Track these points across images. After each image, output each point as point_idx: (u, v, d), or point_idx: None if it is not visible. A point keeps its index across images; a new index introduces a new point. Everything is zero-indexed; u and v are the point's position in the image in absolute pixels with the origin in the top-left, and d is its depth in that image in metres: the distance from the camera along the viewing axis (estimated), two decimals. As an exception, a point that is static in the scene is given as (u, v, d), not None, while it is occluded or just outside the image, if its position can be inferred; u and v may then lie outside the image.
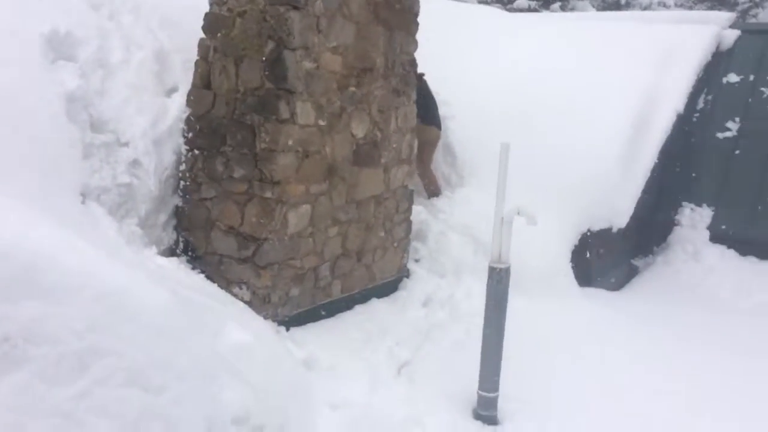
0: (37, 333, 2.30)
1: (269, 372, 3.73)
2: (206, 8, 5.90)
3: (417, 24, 6.77)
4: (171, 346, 2.72)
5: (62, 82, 5.32)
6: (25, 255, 2.35)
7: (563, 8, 26.64)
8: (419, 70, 7.22)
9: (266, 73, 5.40)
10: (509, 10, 21.20)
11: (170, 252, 5.78)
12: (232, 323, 3.93)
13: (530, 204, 5.01)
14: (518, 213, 5.06)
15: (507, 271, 5.27)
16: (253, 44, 5.47)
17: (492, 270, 5.28)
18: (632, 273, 10.26)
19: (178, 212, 5.88)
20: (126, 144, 5.61)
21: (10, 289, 2.27)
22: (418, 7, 6.73)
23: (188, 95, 5.85)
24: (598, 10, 26.51)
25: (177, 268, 5.22)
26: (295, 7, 5.31)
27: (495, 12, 14.13)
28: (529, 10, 25.45)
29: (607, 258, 9.31)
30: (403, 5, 6.46)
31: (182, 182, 5.85)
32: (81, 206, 4.73)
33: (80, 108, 5.36)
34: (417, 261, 7.64)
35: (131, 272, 2.91)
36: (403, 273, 7.26)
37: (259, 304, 5.53)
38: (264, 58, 5.40)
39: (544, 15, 17.93)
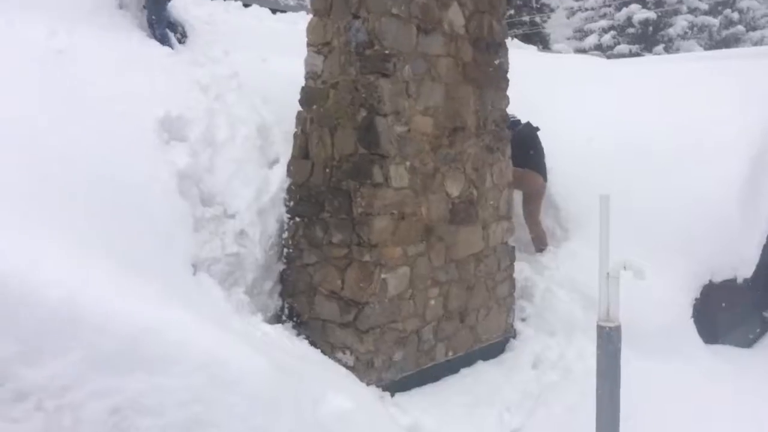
0: (144, 404, 2.39)
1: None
2: (302, 82, 6.21)
3: (507, 80, 6.75)
4: (270, 416, 2.74)
5: (174, 161, 5.72)
6: (131, 329, 2.48)
7: (667, 50, 25.81)
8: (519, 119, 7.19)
9: (359, 139, 5.54)
10: (609, 57, 20.79)
11: (276, 318, 5.93)
12: (333, 390, 3.93)
13: (640, 256, 4.75)
14: (625, 267, 4.77)
15: (617, 329, 4.95)
16: (347, 113, 5.65)
17: (600, 329, 4.97)
18: (765, 327, 9.37)
19: (282, 279, 6.05)
20: (233, 216, 5.89)
21: (117, 362, 2.39)
22: (507, 64, 6.73)
23: (288, 165, 6.10)
24: (705, 49, 25.46)
25: (281, 335, 5.33)
26: (385, 75, 5.46)
27: (594, 60, 13.89)
28: (631, 54, 24.85)
29: (735, 311, 8.56)
30: (491, 63, 6.48)
31: (285, 249, 6.04)
32: (192, 277, 4.97)
33: (191, 184, 5.72)
34: (523, 320, 7.38)
35: (233, 342, 3.00)
36: (510, 333, 7.02)
37: (363, 369, 5.51)
38: (357, 126, 5.56)
39: (646, 59, 17.41)
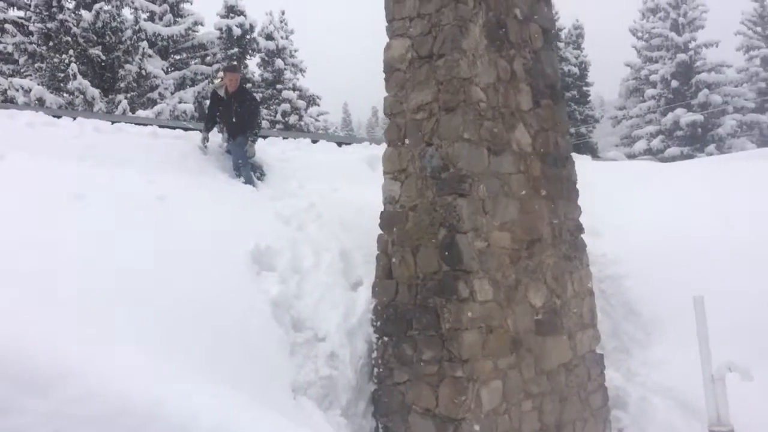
0: None
1: None
2: (376, 208, 6.56)
3: (576, 191, 6.97)
4: None
5: (267, 290, 6.02)
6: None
7: (719, 149, 25.85)
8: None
9: (442, 257, 5.75)
10: (661, 160, 20.97)
11: (371, 440, 5.91)
12: None
13: (744, 355, 4.64)
14: (730, 369, 4.69)
15: (730, 433, 4.78)
16: (427, 233, 5.92)
17: (713, 434, 4.81)
18: None
19: (374, 399, 6.09)
20: (323, 339, 6.06)
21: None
22: (575, 175, 6.98)
23: (373, 287, 6.32)
24: (758, 146, 25.39)
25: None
26: (462, 195, 5.75)
27: (648, 165, 14.07)
28: (683, 156, 24.94)
29: None
30: (560, 176, 6.74)
31: (375, 369, 6.12)
32: (293, 401, 5.08)
33: (283, 311, 5.97)
34: (620, 431, 7.09)
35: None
36: (608, 446, 6.74)
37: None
38: (438, 245, 5.80)
39: (701, 160, 17.51)
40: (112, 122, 8.13)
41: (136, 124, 8.50)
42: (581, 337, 6.68)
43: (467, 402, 5.47)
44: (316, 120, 28.00)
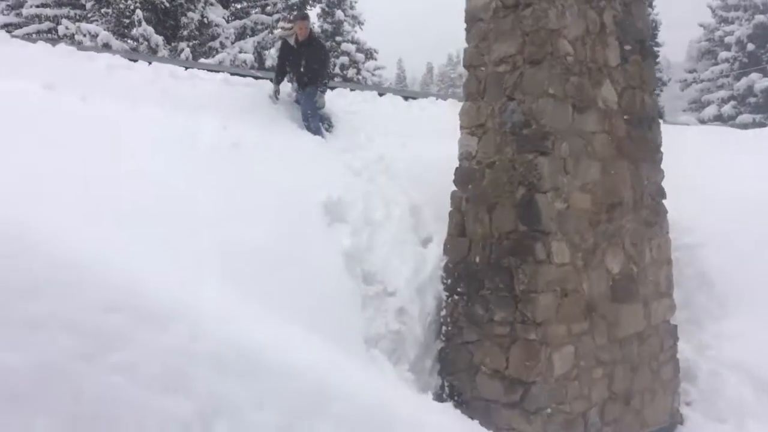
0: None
1: None
2: (446, 164, 6.41)
3: (661, 154, 6.68)
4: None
5: (339, 241, 6.00)
6: (375, 402, 2.59)
7: (795, 117, 24.52)
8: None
9: (519, 216, 5.60)
10: (732, 126, 20.02)
11: (437, 397, 5.89)
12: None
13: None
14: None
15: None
16: (504, 191, 5.76)
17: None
18: None
19: (441, 357, 6.06)
20: (393, 293, 6.03)
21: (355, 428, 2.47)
22: (661, 137, 6.67)
23: (445, 244, 6.23)
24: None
25: (453, 414, 5.27)
26: (543, 153, 5.55)
27: (723, 130, 13.43)
28: (754, 124, 23.77)
29: None
30: (645, 137, 6.44)
31: (444, 327, 6.07)
32: (367, 353, 5.09)
33: (355, 263, 5.95)
34: (688, 404, 6.92)
35: (461, 420, 3.04)
36: (676, 419, 6.59)
37: (530, 451, 5.34)
38: (516, 204, 5.64)
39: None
40: (186, 68, 8.14)
41: (208, 70, 8.48)
42: (656, 307, 6.48)
43: (540, 365, 5.39)
44: (373, 75, 27.67)
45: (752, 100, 26.80)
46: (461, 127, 6.20)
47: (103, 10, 20.02)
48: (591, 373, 5.79)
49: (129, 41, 19.56)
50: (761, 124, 23.91)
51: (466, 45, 6.17)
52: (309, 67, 7.96)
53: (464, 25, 6.15)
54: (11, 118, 5.22)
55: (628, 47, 6.23)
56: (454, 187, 6.27)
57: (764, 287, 7.56)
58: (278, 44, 8.51)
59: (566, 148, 5.69)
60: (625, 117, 6.17)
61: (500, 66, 5.80)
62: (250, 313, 2.82)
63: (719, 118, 26.67)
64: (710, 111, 27.39)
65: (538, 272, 5.46)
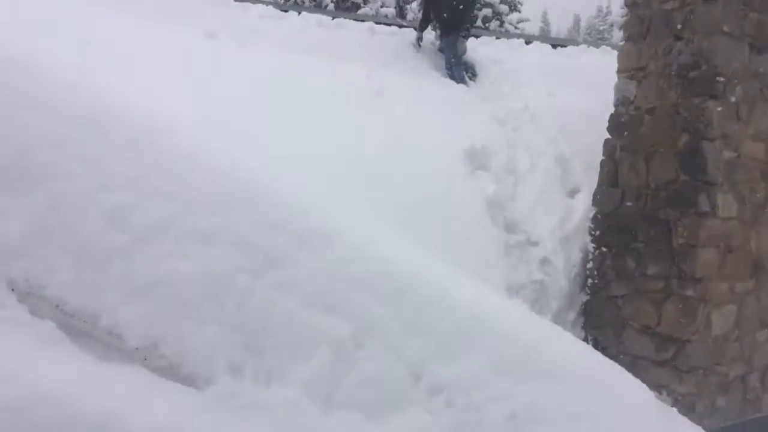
0: (538, 413, 2.42)
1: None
2: (596, 114, 6.05)
3: None
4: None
5: (482, 189, 5.92)
6: (527, 338, 2.55)
7: None
8: None
9: (682, 165, 5.20)
10: None
11: (581, 350, 5.75)
12: (683, 427, 3.66)
13: None
14: None
15: None
16: (665, 139, 5.36)
17: None
18: None
19: (585, 310, 5.86)
20: (536, 243, 5.89)
21: (515, 369, 2.45)
22: None
23: (594, 194, 5.95)
24: None
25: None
26: (713, 97, 5.08)
27: None
28: None
29: None
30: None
31: (590, 280, 5.85)
32: (509, 300, 5.04)
33: (497, 211, 5.86)
34: None
35: (611, 365, 2.94)
36: None
37: (682, 412, 5.04)
38: (678, 152, 5.24)
39: None
40: (333, 17, 8.30)
41: (354, 20, 8.60)
42: (836, 270, 5.79)
43: (696, 324, 5.05)
44: (515, 27, 26.67)
45: None
46: (618, 71, 5.82)
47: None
48: (754, 335, 5.35)
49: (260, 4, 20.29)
50: None
51: (627, -19, 5.73)
52: (452, 13, 7.83)
53: (626, -41, 5.71)
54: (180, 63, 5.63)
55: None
56: (605, 137, 5.94)
57: None
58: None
59: (740, 91, 5.15)
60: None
61: (667, 3, 5.33)
62: (400, 242, 2.87)
63: None
64: None
65: (701, 225, 5.07)
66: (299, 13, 8.07)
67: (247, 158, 2.59)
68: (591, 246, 5.88)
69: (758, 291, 5.34)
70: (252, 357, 2.02)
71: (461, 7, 7.81)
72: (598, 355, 3.01)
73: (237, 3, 7.75)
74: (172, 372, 1.92)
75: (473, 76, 8.15)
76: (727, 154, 5.14)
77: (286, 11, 7.98)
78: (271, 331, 2.08)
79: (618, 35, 13.50)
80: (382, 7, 21.11)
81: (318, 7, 20.21)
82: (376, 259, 2.42)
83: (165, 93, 4.27)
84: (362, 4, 21.17)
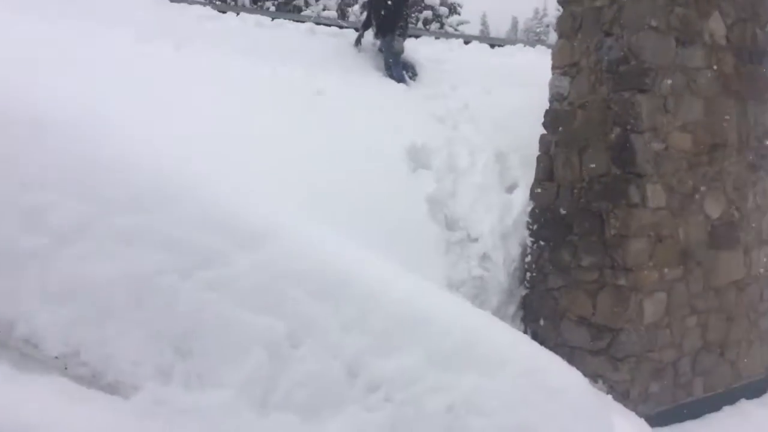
0: (476, 404, 2.44)
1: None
2: (532, 110, 6.19)
3: (772, 92, 6.17)
4: (588, 428, 2.67)
5: (423, 187, 5.97)
6: (464, 330, 2.57)
7: None
8: None
9: (613, 159, 5.36)
10: None
11: (521, 343, 5.84)
12: (617, 414, 3.76)
13: None
14: None
15: None
16: (597, 133, 5.51)
17: None
18: None
19: (524, 303, 5.98)
20: (476, 240, 5.97)
21: (453, 361, 2.47)
22: (772, 73, 6.16)
23: (531, 189, 6.07)
24: None
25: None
26: (642, 90, 5.25)
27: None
28: None
29: None
30: (754, 74, 5.96)
31: (528, 274, 5.97)
32: (448, 294, 5.08)
33: (438, 209, 5.92)
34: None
35: (548, 353, 2.99)
36: (776, 372, 6.26)
37: (618, 400, 5.20)
38: (610, 145, 5.39)
39: None
40: (272, 18, 8.21)
41: (294, 21, 8.53)
42: (757, 255, 6.10)
43: (628, 312, 5.22)
44: (455, 30, 26.98)
45: None
46: (553, 68, 5.96)
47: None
48: (684, 322, 5.56)
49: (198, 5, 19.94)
50: None
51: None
52: (388, 12, 7.88)
53: (556, -41, 5.84)
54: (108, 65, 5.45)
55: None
56: (541, 133, 6.06)
57: None
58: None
59: (667, 85, 5.35)
60: (734, 52, 5.72)
61: (597, 0, 5.48)
62: (339, 240, 2.85)
63: None
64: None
65: (631, 216, 5.24)
66: (237, 14, 7.95)
67: (177, 157, 2.52)
68: (529, 240, 6.00)
69: (687, 278, 5.55)
70: (182, 361, 1.96)
71: (395, 6, 7.87)
72: (534, 344, 3.05)
73: (174, 3, 7.56)
74: (94, 380, 1.85)
75: (413, 75, 8.20)
76: (656, 146, 5.32)
77: (224, 12, 7.85)
78: (202, 333, 2.03)
79: (554, 36, 13.81)
80: (324, 10, 21.05)
81: (258, 8, 20.02)
82: (313, 255, 2.39)
83: (94, 95, 4.13)
84: (304, 8, 21.04)
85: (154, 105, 4.76)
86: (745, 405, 5.88)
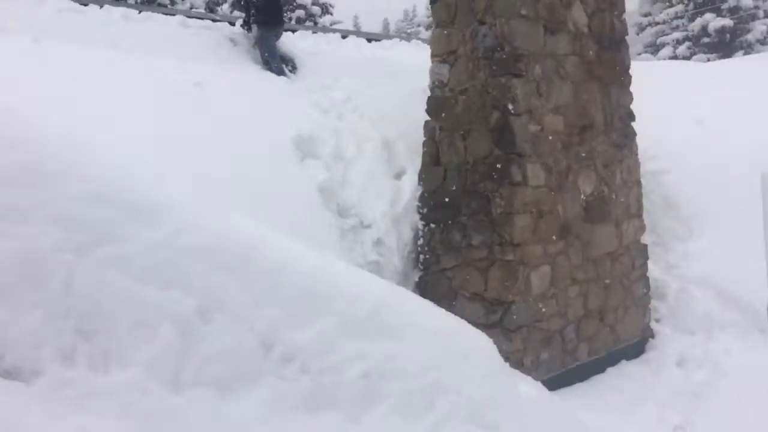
0: (390, 369, 2.46)
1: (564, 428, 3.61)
2: (414, 99, 6.35)
3: (630, 76, 6.72)
4: (497, 387, 2.77)
5: (313, 176, 5.94)
6: (376, 300, 2.58)
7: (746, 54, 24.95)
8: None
9: (495, 141, 5.60)
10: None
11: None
12: (521, 378, 3.94)
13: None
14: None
15: (789, 311, 4.76)
16: (478, 117, 5.74)
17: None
18: None
19: (420, 285, 6.10)
20: (369, 226, 6.02)
21: (366, 330, 2.47)
22: (629, 59, 6.71)
23: (419, 174, 6.22)
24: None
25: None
26: (517, 75, 5.53)
27: (687, 65, 13.62)
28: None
29: None
30: (614, 59, 6.47)
31: (422, 256, 6.10)
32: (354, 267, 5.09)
33: (330, 197, 5.91)
34: (657, 321, 7.15)
35: (456, 319, 3.07)
36: (648, 333, 6.82)
37: (513, 368, 5.44)
38: (490, 128, 5.63)
39: (740, 59, 16.96)
40: (140, 11, 7.82)
41: (163, 14, 8.17)
42: (627, 227, 6.61)
43: (518, 285, 5.47)
44: (316, 26, 27.08)
45: (706, 40, 27.13)
46: (432, 56, 6.13)
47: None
48: (567, 292, 5.91)
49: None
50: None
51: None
52: (261, 6, 7.80)
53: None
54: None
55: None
56: (423, 120, 6.22)
57: (724, 208, 7.80)
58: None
59: (539, 70, 5.68)
60: (595, 39, 6.17)
61: (470, -10, 5.70)
62: (237, 215, 2.77)
63: (674, 59, 26.98)
64: (665, 52, 27.62)
65: (515, 194, 5.50)
66: (101, 6, 7.49)
67: (62, 135, 2.33)
68: (420, 224, 6.14)
69: (567, 251, 5.91)
70: (85, 342, 1.82)
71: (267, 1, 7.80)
72: (442, 310, 3.13)
73: (29, -5, 7.00)
74: (-8, 366, 1.67)
75: (293, 69, 8.12)
76: (533, 128, 5.62)
77: (86, 5, 7.36)
78: (105, 312, 1.89)
79: (425, 35, 14.32)
80: (191, 8, 20.37)
81: (123, 2, 19.01)
82: (217, 229, 2.31)
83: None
84: (170, 5, 20.24)
85: (20, 95, 4.38)
86: (625, 366, 6.33)
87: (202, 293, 2.15)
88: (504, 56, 5.53)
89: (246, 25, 7.96)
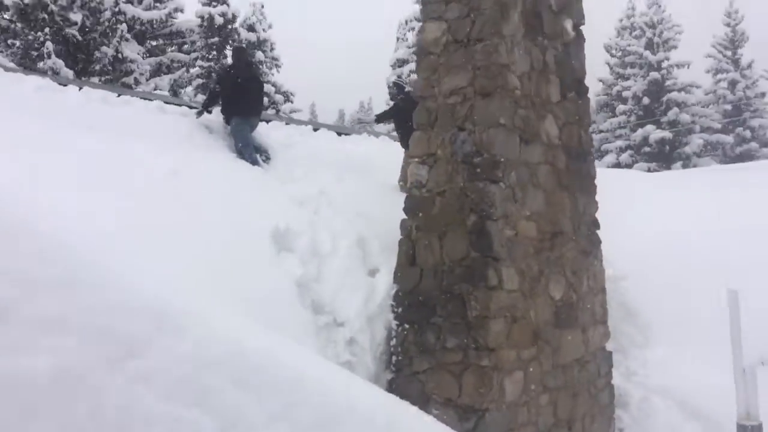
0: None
1: None
2: (386, 197, 6.46)
3: (595, 186, 7.03)
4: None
5: (289, 271, 5.88)
6: (387, 419, 2.52)
7: (685, 167, 26.56)
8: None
9: (471, 243, 5.71)
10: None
11: (390, 428, 5.79)
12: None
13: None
14: (763, 363, 4.77)
15: (759, 428, 4.85)
16: (455, 219, 5.86)
17: (742, 429, 4.87)
18: None
19: (391, 388, 5.97)
20: (342, 324, 5.93)
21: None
22: (595, 170, 7.04)
23: (395, 273, 6.23)
24: (720, 163, 26.23)
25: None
26: (494, 181, 5.72)
27: (636, 174, 14.37)
28: (650, 172, 25.54)
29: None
30: (581, 170, 6.79)
31: (394, 357, 6.02)
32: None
33: (305, 293, 5.84)
34: (621, 431, 7.16)
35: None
36: (614, 443, 6.80)
37: (485, 479, 5.32)
38: (468, 231, 5.75)
39: (685, 172, 18.02)
40: (119, 95, 7.86)
41: (141, 98, 8.23)
42: (593, 333, 6.73)
43: (492, 392, 5.43)
44: (289, 117, 27.69)
45: (647, 149, 28.86)
46: (411, 157, 6.30)
47: (10, 41, 19.08)
48: (538, 399, 5.89)
49: (36, 75, 18.68)
50: (656, 172, 25.73)
51: (416, 76, 6.33)
52: (236, 96, 7.98)
53: (415, 58, 6.31)
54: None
55: (567, 85, 6.60)
56: (398, 220, 6.31)
57: (679, 317, 8.04)
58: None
59: (515, 177, 5.89)
60: (564, 150, 6.49)
61: (450, 97, 5.97)
62: (246, 321, 2.70)
63: (617, 166, 28.49)
64: (609, 159, 29.23)
65: (491, 298, 5.55)
66: (80, 88, 7.50)
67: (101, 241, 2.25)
68: (394, 323, 6.09)
69: (539, 357, 5.94)
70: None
71: (245, 91, 7.99)
72: (448, 428, 3.08)
73: (8, 72, 6.97)
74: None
75: (267, 159, 8.23)
76: (508, 233, 5.77)
77: (65, 85, 7.36)
78: (134, 430, 1.78)
79: (381, 127, 14.76)
80: (155, 90, 20.53)
81: (103, 83, 19.02)
82: (230, 339, 2.23)
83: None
84: (134, 86, 20.35)
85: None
86: (590, 475, 6.26)
87: (222, 412, 2.05)
88: (482, 162, 5.73)
89: (205, 108, 8.12)
